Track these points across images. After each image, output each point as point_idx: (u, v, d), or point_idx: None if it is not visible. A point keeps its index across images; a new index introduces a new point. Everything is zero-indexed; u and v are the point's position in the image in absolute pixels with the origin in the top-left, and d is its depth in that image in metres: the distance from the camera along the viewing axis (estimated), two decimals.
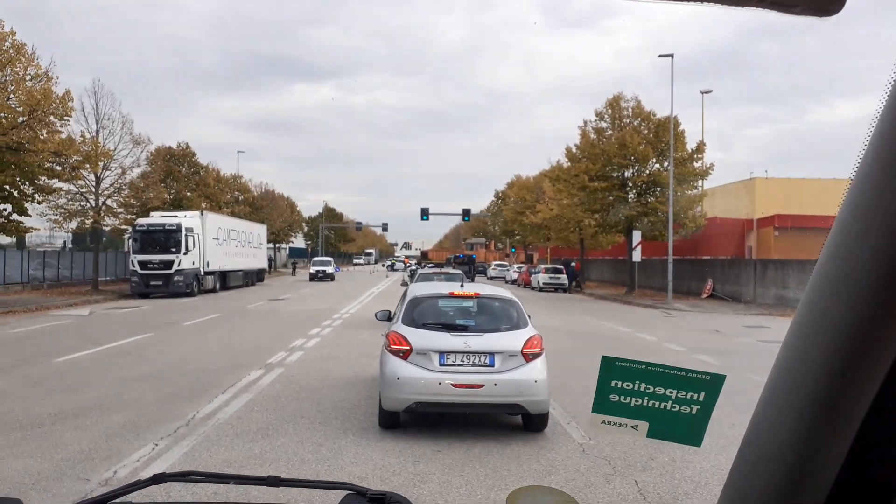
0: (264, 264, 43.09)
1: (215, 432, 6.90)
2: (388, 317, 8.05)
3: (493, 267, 57.73)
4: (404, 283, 22.50)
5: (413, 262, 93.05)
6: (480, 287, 7.58)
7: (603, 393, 1.03)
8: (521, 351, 6.41)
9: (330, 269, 48.44)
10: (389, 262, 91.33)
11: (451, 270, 20.38)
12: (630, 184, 31.87)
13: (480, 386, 6.25)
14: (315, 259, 51.65)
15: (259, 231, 42.01)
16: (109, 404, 8.16)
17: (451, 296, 7.04)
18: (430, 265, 69.02)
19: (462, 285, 7.33)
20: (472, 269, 49.37)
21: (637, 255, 29.74)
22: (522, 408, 6.42)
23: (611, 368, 1.03)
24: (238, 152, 56.37)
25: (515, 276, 47.12)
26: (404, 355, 6.40)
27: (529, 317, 7.11)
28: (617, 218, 31.68)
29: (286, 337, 14.55)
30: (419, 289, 7.53)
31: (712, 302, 27.71)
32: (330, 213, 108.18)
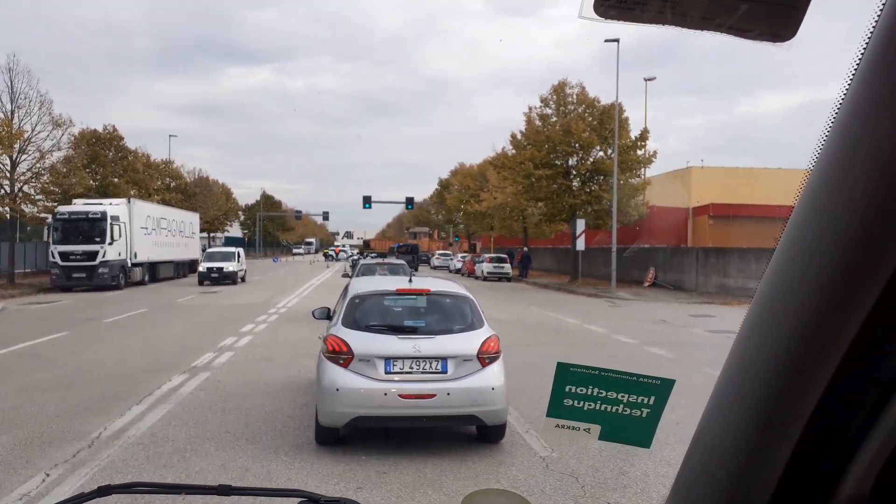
0: (197, 254, 41.63)
1: (122, 456, 6.14)
2: (327, 315, 7.60)
3: (436, 256, 57.48)
4: (346, 275, 22.27)
5: (352, 251, 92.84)
6: (431, 282, 7.22)
7: (558, 398, 1.07)
8: (477, 355, 6.08)
9: (233, 267, 31.78)
10: (323, 252, 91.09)
11: (393, 261, 20.33)
12: (574, 171, 32.04)
13: (432, 396, 5.90)
14: (210, 251, 33.47)
15: (191, 220, 40.73)
16: (1, 420, 7.33)
17: (399, 293, 6.65)
18: (373, 255, 68.41)
19: (410, 280, 7.00)
20: (415, 258, 49.03)
21: (581, 244, 29.97)
22: (479, 419, 6.06)
23: (565, 375, 1.07)
24: (170, 136, 53.92)
25: (459, 265, 47.36)
26: (344, 362, 6.02)
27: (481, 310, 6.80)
28: (561, 206, 31.90)
29: (216, 335, 13.84)
30: (361, 285, 7.12)
31: (655, 290, 27.97)
32: (268, 201, 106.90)
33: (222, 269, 31.85)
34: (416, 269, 47.37)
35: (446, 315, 6.60)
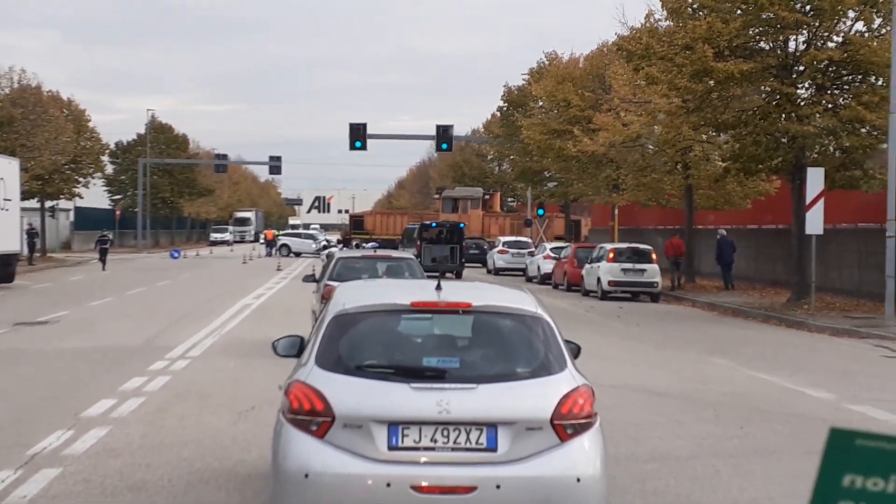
0: (14, 245, 42.86)
1: None
2: (299, 350, 8.56)
3: (500, 247, 58.69)
4: (311, 279, 23.34)
5: (321, 236, 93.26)
6: (474, 291, 8.53)
7: (828, 497, 1.17)
8: (552, 419, 6.93)
9: None
10: (265, 239, 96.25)
11: (394, 253, 23.63)
12: (801, 65, 31.35)
13: (469, 490, 6.78)
14: None
15: (1, 171, 41.27)
16: None
17: (417, 308, 7.64)
18: (369, 243, 67.34)
19: (438, 287, 7.80)
20: (458, 251, 52.28)
21: (817, 222, 29.12)
22: None
23: (847, 451, 1.18)
24: None
25: (547, 265, 48.41)
26: (319, 429, 6.92)
27: (571, 345, 7.97)
28: (770, 140, 31.44)
29: (28, 431, 13.14)
30: (351, 294, 8.21)
31: None
32: (163, 135, 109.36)
33: None
34: (459, 276, 48.51)
35: (498, 349, 7.67)
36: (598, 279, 38.33)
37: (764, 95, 31.99)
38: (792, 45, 32.07)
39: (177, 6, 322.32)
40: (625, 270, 37.82)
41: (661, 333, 26.46)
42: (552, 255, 48.44)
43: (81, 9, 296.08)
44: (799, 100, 31.85)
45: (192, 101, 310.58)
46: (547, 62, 64.84)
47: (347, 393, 7.00)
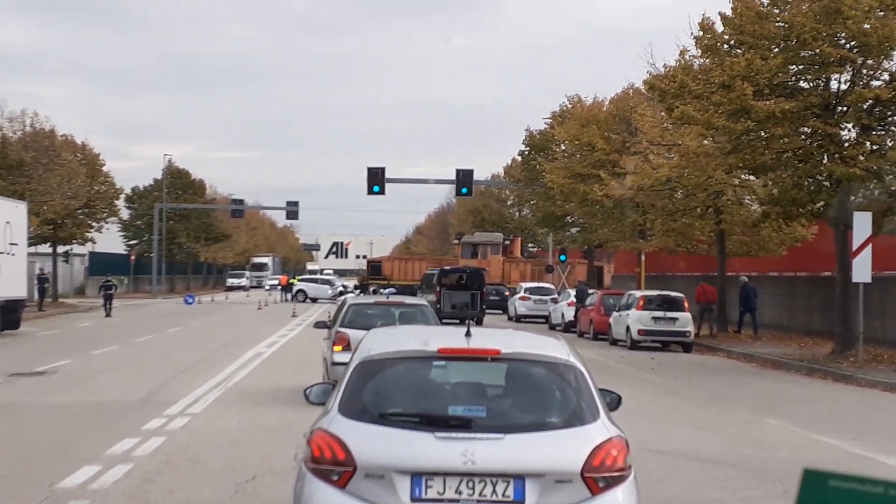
0: (20, 290, 42.29)
1: None
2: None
3: (522, 294, 58.32)
4: (321, 325, 23.40)
5: (336, 283, 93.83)
6: (504, 338, 8.48)
7: None
8: (583, 472, 6.93)
9: None
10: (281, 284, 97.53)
11: (408, 300, 23.97)
12: (845, 104, 30.36)
13: None
14: None
15: (2, 215, 40.79)
16: None
17: (443, 355, 7.68)
18: (388, 289, 66.83)
19: (468, 333, 7.89)
20: (479, 297, 51.98)
21: (864, 269, 28.58)
22: None
23: (821, 492, 1.23)
24: None
25: (572, 313, 48.21)
26: (340, 479, 6.99)
27: (611, 395, 8.40)
28: (811, 182, 30.83)
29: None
30: (378, 341, 8.25)
31: None
32: (180, 179, 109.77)
33: None
34: (480, 322, 47.25)
35: (528, 398, 7.67)
36: (628, 328, 37.62)
37: (805, 136, 31.18)
38: (834, 83, 31.25)
39: (195, 55, 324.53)
40: (656, 319, 37.11)
41: (702, 388, 25.40)
42: (576, 301, 48.04)
43: (104, 54, 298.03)
44: (843, 140, 30.98)
45: (210, 149, 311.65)
46: (570, 105, 64.50)
47: (370, 442, 7.01)
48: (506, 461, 6.89)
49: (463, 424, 7.13)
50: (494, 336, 8.66)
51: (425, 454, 6.91)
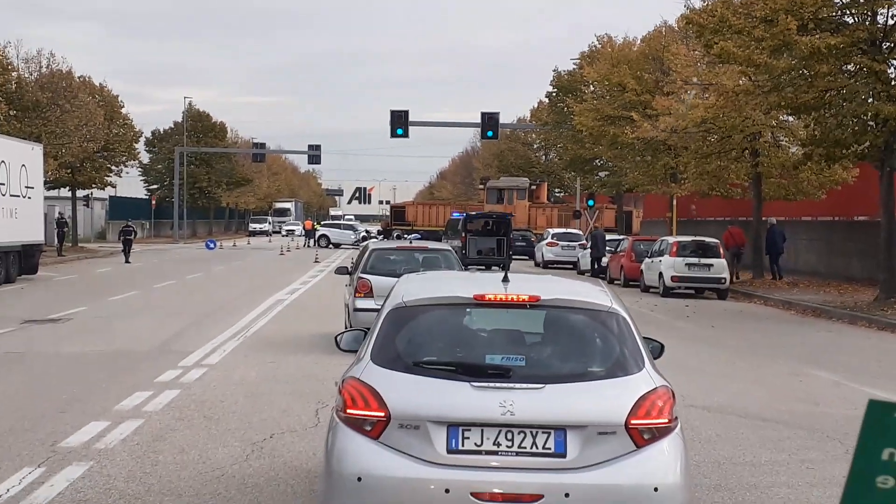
0: (37, 234, 42.23)
1: None
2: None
3: (550, 239, 57.63)
4: (343, 271, 23.45)
5: (358, 227, 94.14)
6: (541, 283, 8.32)
7: (864, 472, 1.23)
8: (627, 423, 6.82)
9: None
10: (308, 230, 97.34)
11: (431, 245, 23.70)
12: (892, 40, 29.74)
13: (536, 499, 6.69)
14: None
15: (17, 157, 40.62)
16: None
17: (480, 302, 7.46)
18: (413, 235, 66.80)
19: (505, 279, 7.72)
20: (505, 243, 51.46)
21: None
22: None
23: (886, 425, 1.23)
24: None
25: (603, 258, 47.43)
26: (373, 430, 6.90)
27: (652, 343, 8.13)
28: (856, 122, 29.84)
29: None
30: (411, 288, 8.07)
31: None
32: (200, 124, 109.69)
33: None
34: (507, 268, 46.84)
35: (569, 346, 7.60)
36: (661, 274, 36.99)
37: (850, 74, 30.33)
38: (882, 17, 30.21)
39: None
40: (689, 265, 36.39)
41: (742, 338, 24.55)
42: (608, 248, 47.40)
43: (123, 1, 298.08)
44: (890, 78, 30.15)
45: (233, 93, 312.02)
46: (599, 46, 63.51)
47: (404, 391, 6.92)
48: (546, 412, 6.78)
49: (501, 374, 7.00)
50: (532, 282, 8.46)
51: (462, 404, 6.82)
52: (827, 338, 25.16)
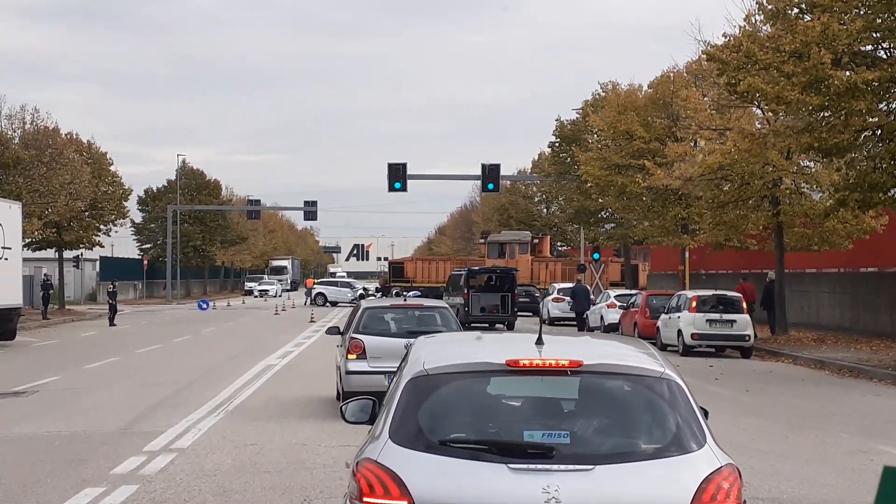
0: (14, 298, 41.26)
1: None
2: (371, 415, 7.87)
3: (555, 295, 56.83)
4: (335, 331, 22.80)
5: (352, 285, 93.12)
6: (582, 345, 8.05)
7: None
8: None
9: None
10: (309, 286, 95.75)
11: (426, 302, 23.69)
12: None
13: None
14: None
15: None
16: None
17: (513, 368, 6.74)
18: (412, 292, 64.87)
19: (539, 341, 7.09)
20: (510, 299, 50.48)
21: None
22: None
23: None
24: None
25: (612, 315, 46.40)
26: None
27: (706, 414, 7.02)
28: (893, 162, 28.14)
29: None
30: (432, 352, 7.40)
31: None
32: (195, 180, 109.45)
33: None
34: (512, 327, 46.20)
35: (617, 419, 6.87)
36: (680, 332, 35.42)
37: (888, 112, 28.82)
38: None
39: (214, 60, 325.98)
40: (710, 322, 34.67)
41: (785, 405, 22.65)
42: (617, 303, 46.29)
43: (121, 62, 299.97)
44: None
45: (228, 152, 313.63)
46: (603, 93, 62.12)
47: (430, 475, 6.18)
48: (598, 498, 6.07)
49: (543, 453, 6.28)
50: (569, 343, 8.01)
51: (499, 491, 6.12)
52: (877, 403, 23.34)
